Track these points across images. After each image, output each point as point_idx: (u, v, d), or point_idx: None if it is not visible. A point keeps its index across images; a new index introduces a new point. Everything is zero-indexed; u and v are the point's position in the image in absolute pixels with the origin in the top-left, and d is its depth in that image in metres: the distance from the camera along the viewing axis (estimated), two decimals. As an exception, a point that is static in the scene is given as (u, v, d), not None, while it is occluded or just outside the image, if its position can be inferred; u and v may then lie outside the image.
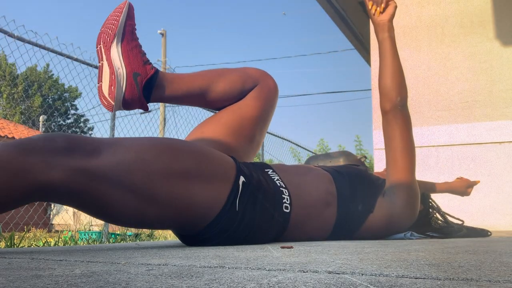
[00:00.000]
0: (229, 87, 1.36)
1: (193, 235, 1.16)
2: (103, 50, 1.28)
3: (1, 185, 0.88)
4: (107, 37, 1.27)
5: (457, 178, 2.28)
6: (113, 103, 1.27)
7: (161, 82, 1.30)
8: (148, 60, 1.31)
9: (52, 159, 0.91)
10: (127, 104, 1.28)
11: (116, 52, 1.27)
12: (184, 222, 1.11)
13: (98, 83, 1.28)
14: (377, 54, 3.72)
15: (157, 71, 1.29)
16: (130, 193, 0.99)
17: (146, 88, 1.29)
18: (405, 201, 1.46)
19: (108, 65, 1.26)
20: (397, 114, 1.49)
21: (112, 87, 1.25)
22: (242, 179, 1.16)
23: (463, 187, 2.21)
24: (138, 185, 1.00)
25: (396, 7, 1.54)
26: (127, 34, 1.28)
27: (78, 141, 0.97)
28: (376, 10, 1.53)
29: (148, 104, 1.32)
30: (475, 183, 2.22)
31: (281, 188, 1.24)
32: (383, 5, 1.53)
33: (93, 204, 1.00)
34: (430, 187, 2.17)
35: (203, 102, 1.39)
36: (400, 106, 1.49)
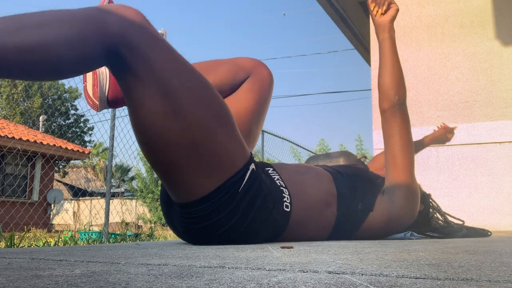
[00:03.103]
0: (219, 81, 1.33)
1: (190, 206, 1.13)
2: None
3: (88, 32, 0.92)
4: None
5: (439, 126, 2.39)
6: (97, 102, 1.27)
7: None
8: None
9: (124, 23, 0.97)
10: (112, 102, 1.28)
11: None
12: (193, 170, 1.08)
13: (83, 83, 1.28)
14: (377, 54, 3.71)
15: None
16: (163, 95, 1.01)
17: None
18: (405, 200, 1.46)
19: None
20: (395, 112, 1.49)
21: (95, 87, 1.25)
22: (252, 166, 1.18)
23: (443, 134, 2.32)
24: (173, 90, 1.02)
25: (397, 9, 1.57)
26: None
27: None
28: (377, 11, 1.57)
29: None
30: (453, 128, 2.33)
31: (281, 188, 1.24)
32: (384, 7, 1.56)
33: (132, 90, 1.02)
34: (418, 145, 2.24)
35: None
36: (399, 105, 1.49)
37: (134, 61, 0.98)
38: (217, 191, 1.11)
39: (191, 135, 1.05)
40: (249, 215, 1.16)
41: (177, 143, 1.05)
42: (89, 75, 1.26)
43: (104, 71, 1.25)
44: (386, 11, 1.57)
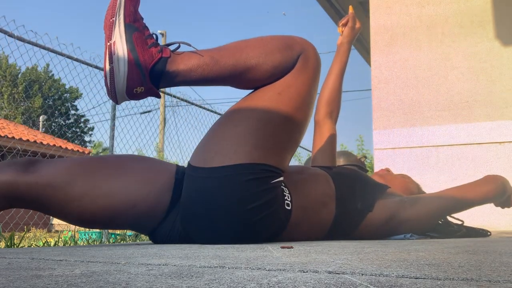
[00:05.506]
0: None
1: (218, 168, 1.15)
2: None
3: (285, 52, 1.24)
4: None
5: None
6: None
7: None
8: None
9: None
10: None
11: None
12: (256, 134, 1.19)
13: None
14: (377, 54, 3.71)
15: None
16: (295, 90, 1.25)
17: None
18: (428, 213, 1.51)
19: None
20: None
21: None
22: (282, 177, 1.24)
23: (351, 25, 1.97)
24: (296, 86, 1.26)
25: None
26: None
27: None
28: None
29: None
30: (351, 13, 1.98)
31: (281, 187, 1.25)
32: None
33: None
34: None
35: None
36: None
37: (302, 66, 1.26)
38: (255, 165, 1.15)
39: (289, 110, 1.22)
40: (260, 213, 1.17)
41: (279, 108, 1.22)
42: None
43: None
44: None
